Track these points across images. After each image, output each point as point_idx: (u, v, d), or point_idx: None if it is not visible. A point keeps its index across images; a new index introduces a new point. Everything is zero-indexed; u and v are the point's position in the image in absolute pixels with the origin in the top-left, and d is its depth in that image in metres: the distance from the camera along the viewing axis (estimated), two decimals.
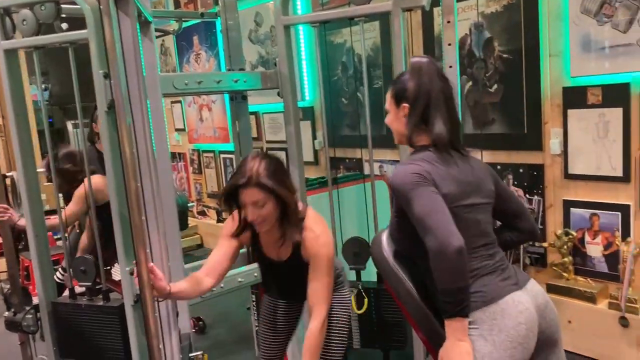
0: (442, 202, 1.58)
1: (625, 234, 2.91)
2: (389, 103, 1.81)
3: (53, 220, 3.18)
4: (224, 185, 4.77)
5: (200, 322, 3.89)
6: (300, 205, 2.00)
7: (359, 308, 2.79)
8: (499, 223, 1.93)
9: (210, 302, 2.78)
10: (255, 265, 2.89)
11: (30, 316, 2.74)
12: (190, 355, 2.22)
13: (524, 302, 1.64)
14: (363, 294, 2.78)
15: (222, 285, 2.73)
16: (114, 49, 1.60)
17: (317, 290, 1.99)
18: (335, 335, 2.15)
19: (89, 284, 2.62)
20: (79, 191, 3.12)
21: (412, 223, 1.61)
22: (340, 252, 2.88)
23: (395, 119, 1.80)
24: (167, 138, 2.41)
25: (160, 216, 1.88)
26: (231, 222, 2.06)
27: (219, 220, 5.95)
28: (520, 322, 1.60)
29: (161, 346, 1.78)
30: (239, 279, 2.78)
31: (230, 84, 2.67)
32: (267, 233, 2.01)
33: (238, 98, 3.20)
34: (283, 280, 2.18)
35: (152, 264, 1.70)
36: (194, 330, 3.89)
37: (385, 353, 2.93)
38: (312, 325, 1.98)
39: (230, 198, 1.92)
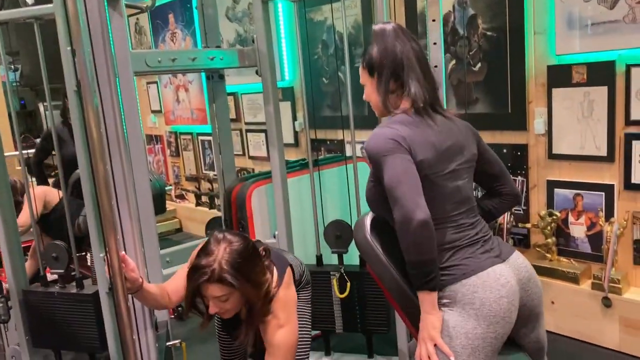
0: (413, 171, 1.53)
1: (609, 214, 2.89)
2: (363, 77, 1.75)
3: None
4: (201, 169, 4.65)
5: (179, 309, 3.80)
6: (274, 281, 1.82)
7: (342, 292, 2.74)
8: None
9: None
10: None
11: (1, 305, 2.64)
12: (168, 343, 2.15)
13: (505, 275, 1.59)
14: (345, 277, 2.73)
15: None
16: (78, 24, 1.49)
17: None
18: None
19: (62, 271, 2.53)
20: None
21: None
22: (321, 236, 2.82)
23: (372, 91, 1.73)
24: (140, 119, 2.30)
25: (132, 201, 1.78)
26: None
27: (197, 204, 5.85)
28: (502, 295, 1.56)
29: (135, 337, 1.70)
30: None
31: (205, 62, 2.57)
32: None
33: (215, 77, 3.10)
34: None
35: (123, 252, 1.61)
36: (172, 317, 3.81)
37: (368, 337, 2.89)
38: None
39: (196, 296, 1.71)
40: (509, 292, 1.57)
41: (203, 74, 3.75)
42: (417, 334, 1.74)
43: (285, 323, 1.80)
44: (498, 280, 1.57)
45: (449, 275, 1.60)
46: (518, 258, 1.69)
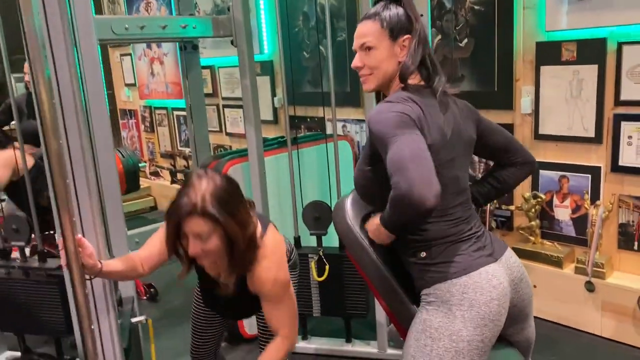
0: (428, 153, 1.34)
1: (595, 197, 2.82)
2: (376, 37, 1.49)
3: None
4: (177, 146, 4.51)
5: (152, 290, 3.68)
6: (258, 230, 1.66)
7: (320, 275, 2.64)
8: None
9: (164, 268, 2.58)
10: None
11: None
12: (133, 320, 2.01)
13: (498, 276, 1.49)
14: (324, 260, 2.62)
15: None
16: None
17: (278, 317, 1.71)
18: None
19: (22, 243, 2.38)
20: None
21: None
22: (300, 217, 2.71)
23: (388, 57, 1.50)
24: (105, 91, 2.14)
25: (92, 180, 1.63)
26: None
27: (172, 182, 5.67)
28: (493, 297, 1.45)
29: (95, 326, 1.57)
30: None
31: (177, 30, 2.39)
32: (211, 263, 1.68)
33: (188, 48, 2.93)
34: (225, 303, 1.88)
35: (79, 236, 1.47)
36: (144, 297, 3.69)
37: (347, 321, 2.81)
38: (279, 340, 1.71)
39: (177, 236, 1.54)
40: (500, 294, 1.47)
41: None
42: (398, 325, 1.65)
43: (275, 267, 1.66)
44: (490, 282, 1.47)
45: (439, 273, 1.49)
46: (511, 257, 1.59)
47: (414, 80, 1.52)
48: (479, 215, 1.65)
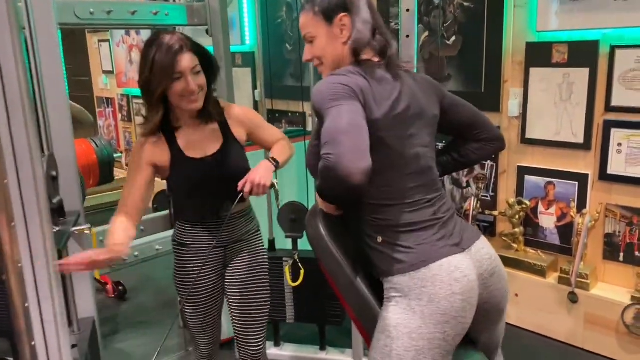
0: (363, 123, 1.26)
1: (581, 205, 2.73)
2: (313, 26, 1.44)
3: None
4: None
5: (121, 287, 3.52)
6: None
7: (295, 280, 2.51)
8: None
9: (133, 267, 2.45)
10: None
11: None
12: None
13: (462, 267, 1.35)
14: (299, 264, 2.50)
15: (136, 253, 2.38)
16: None
17: (271, 131, 1.93)
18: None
19: None
20: None
21: None
22: (275, 218, 2.58)
23: (330, 41, 1.43)
24: (65, 80, 1.98)
25: (40, 179, 1.47)
26: (140, 150, 1.74)
27: None
28: (455, 291, 1.32)
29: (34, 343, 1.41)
30: (157, 247, 2.43)
31: (148, 17, 2.24)
32: (189, 124, 1.76)
33: None
34: (214, 184, 1.77)
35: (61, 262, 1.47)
36: (113, 295, 3.53)
37: (321, 328, 2.69)
38: (282, 142, 1.93)
39: (164, 87, 1.62)
40: (465, 288, 1.33)
41: None
42: (370, 342, 1.53)
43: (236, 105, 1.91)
44: (452, 274, 1.33)
45: (397, 263, 1.37)
46: (483, 247, 1.45)
47: (367, 55, 1.43)
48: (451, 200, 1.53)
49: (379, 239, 1.40)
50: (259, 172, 1.71)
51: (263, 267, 1.96)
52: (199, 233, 1.84)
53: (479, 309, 1.42)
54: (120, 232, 1.64)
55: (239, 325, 1.95)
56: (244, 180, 1.69)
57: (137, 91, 5.52)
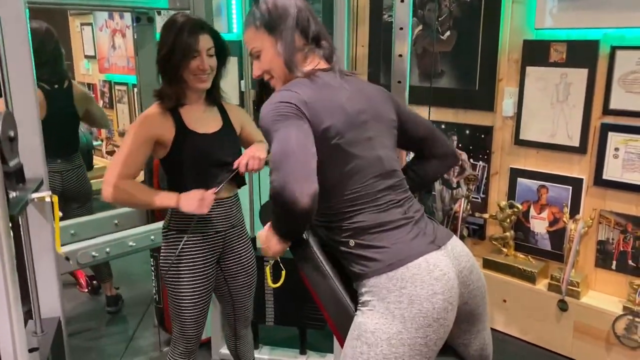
0: (309, 144, 1.22)
1: (575, 210, 2.64)
2: (257, 41, 1.42)
3: None
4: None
5: (94, 282, 3.38)
6: None
7: (275, 282, 2.39)
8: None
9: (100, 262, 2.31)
10: (151, 227, 2.41)
11: None
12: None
13: (441, 265, 1.27)
14: (281, 265, 2.37)
15: (108, 249, 2.24)
16: None
17: (259, 133, 1.96)
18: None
19: None
20: None
21: None
22: (257, 216, 2.45)
23: (275, 55, 1.39)
24: (33, 66, 1.83)
25: None
26: (149, 123, 1.78)
27: None
28: (436, 291, 1.23)
29: None
30: (131, 243, 2.30)
31: None
32: (193, 102, 1.83)
33: (143, 20, 2.62)
34: (214, 161, 1.82)
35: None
36: (86, 290, 3.39)
37: (302, 331, 2.57)
38: (259, 144, 1.91)
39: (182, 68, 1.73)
40: (445, 287, 1.25)
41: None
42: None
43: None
44: (431, 273, 1.25)
45: (372, 263, 1.28)
46: (457, 245, 1.37)
47: (311, 64, 1.40)
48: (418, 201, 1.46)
49: (352, 243, 1.32)
50: (254, 148, 1.82)
51: (251, 251, 2.06)
52: (198, 219, 1.83)
53: (459, 311, 1.33)
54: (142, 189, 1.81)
55: (239, 298, 2.05)
56: (239, 159, 1.77)
57: (119, 77, 5.35)
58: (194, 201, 1.72)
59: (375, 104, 1.42)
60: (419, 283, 1.23)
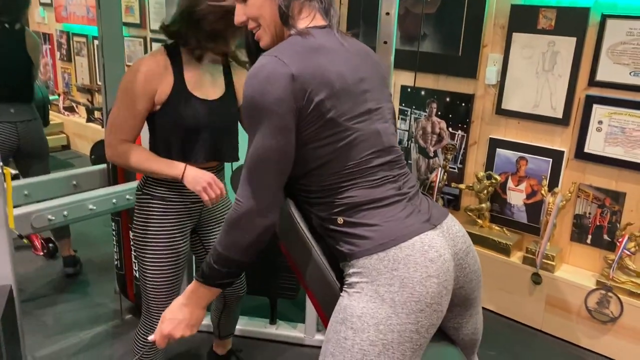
0: (284, 151, 1.14)
1: (553, 183, 2.59)
2: None
3: None
4: (96, 80, 3.93)
5: (50, 245, 3.19)
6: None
7: None
8: None
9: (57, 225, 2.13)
10: (113, 189, 2.25)
11: None
12: None
13: (437, 246, 1.16)
14: None
15: (65, 212, 2.07)
16: None
17: None
18: None
19: None
20: None
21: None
22: (228, 181, 2.31)
23: (265, 2, 1.21)
24: None
25: None
26: (149, 73, 1.59)
27: (89, 119, 5.07)
28: (430, 274, 1.13)
29: None
30: (90, 206, 2.13)
31: None
32: (201, 67, 1.66)
33: None
34: (208, 130, 1.67)
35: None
36: (42, 253, 3.20)
37: (272, 301, 2.48)
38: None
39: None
40: (440, 269, 1.15)
41: None
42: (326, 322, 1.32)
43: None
44: (426, 254, 1.14)
45: (362, 241, 1.16)
46: (454, 224, 1.26)
47: (307, 19, 1.22)
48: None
49: (340, 220, 1.20)
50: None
51: None
52: (179, 186, 1.69)
53: (453, 295, 1.24)
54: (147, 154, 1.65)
55: None
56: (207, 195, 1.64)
57: (78, 27, 5.02)
58: (202, 182, 1.60)
59: (376, 72, 1.28)
60: (412, 265, 1.12)
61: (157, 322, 1.77)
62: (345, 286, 1.19)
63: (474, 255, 1.28)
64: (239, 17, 1.26)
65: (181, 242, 1.75)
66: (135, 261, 1.83)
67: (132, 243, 1.77)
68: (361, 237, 1.16)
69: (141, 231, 1.72)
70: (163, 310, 1.75)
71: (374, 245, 1.15)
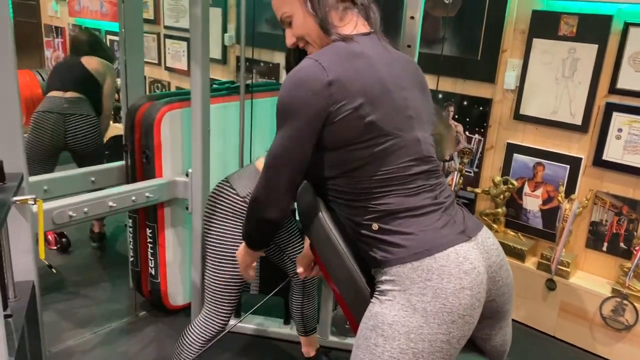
0: (300, 154, 1.21)
1: (570, 190, 2.59)
2: (286, 4, 1.29)
3: None
4: None
5: (64, 239, 3.20)
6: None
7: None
8: None
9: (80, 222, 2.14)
10: (132, 187, 2.25)
11: None
12: (15, 198, 1.54)
13: (471, 258, 1.16)
14: None
15: (86, 209, 2.08)
16: None
17: None
18: None
19: None
20: None
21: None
22: None
23: (306, 17, 1.26)
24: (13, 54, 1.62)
25: None
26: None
27: (115, 120, 5.04)
28: (464, 286, 1.14)
29: None
30: (110, 204, 2.13)
31: None
32: None
33: None
34: None
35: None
36: (55, 247, 3.21)
37: (286, 301, 2.48)
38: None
39: None
40: (474, 282, 1.15)
41: None
42: (354, 325, 1.33)
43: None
44: (460, 266, 1.14)
45: (396, 249, 1.16)
46: (488, 237, 1.27)
47: (349, 25, 1.27)
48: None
49: (375, 226, 1.20)
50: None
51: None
52: None
53: (485, 307, 1.24)
54: None
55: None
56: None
57: (91, 22, 5.02)
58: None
59: (417, 81, 1.30)
60: (446, 276, 1.13)
61: (219, 318, 1.93)
62: (377, 293, 1.20)
63: (507, 269, 1.29)
64: (289, 40, 1.32)
65: None
66: (208, 260, 1.93)
67: (209, 244, 1.92)
68: (396, 244, 1.17)
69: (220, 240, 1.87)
70: (226, 305, 1.93)
71: (409, 254, 1.15)
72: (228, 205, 1.89)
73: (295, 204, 1.40)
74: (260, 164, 1.88)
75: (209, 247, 1.92)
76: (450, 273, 1.13)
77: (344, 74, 1.15)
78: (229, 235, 1.88)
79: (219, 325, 1.92)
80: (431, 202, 1.20)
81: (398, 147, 1.18)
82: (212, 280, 1.91)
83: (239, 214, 1.87)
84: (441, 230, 1.17)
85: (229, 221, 1.88)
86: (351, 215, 1.23)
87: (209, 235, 1.92)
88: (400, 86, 1.21)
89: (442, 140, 1.64)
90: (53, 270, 1.94)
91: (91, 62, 3.08)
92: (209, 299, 1.93)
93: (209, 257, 1.92)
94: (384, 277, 1.18)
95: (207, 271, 1.93)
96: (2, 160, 1.44)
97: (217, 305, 1.91)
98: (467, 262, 1.15)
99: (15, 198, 1.45)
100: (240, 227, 1.85)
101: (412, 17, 2.01)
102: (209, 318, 1.92)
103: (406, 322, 1.13)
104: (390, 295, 1.16)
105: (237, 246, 1.82)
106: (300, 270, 1.55)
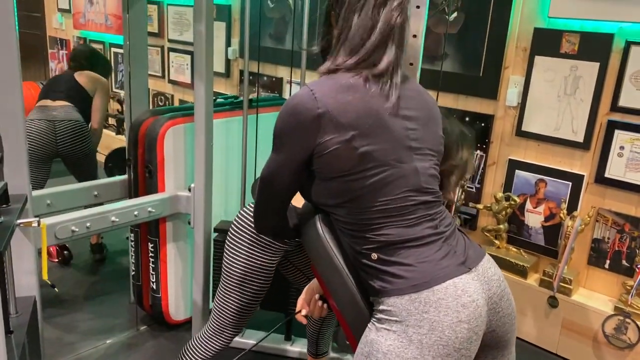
0: (296, 177, 1.24)
1: (572, 207, 2.59)
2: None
3: None
4: (111, 86, 3.94)
5: (66, 252, 3.20)
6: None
7: None
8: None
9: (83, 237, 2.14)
10: (135, 202, 2.26)
11: None
12: (19, 221, 1.54)
13: (470, 291, 1.15)
14: None
15: (88, 224, 2.08)
16: None
17: None
18: None
19: None
20: None
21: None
22: (248, 192, 2.32)
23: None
24: (17, 49, 1.65)
25: None
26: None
27: (118, 132, 5.07)
28: (462, 319, 1.13)
29: None
30: (113, 218, 2.14)
31: None
32: None
33: None
34: None
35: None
36: (56, 260, 3.21)
37: (288, 318, 2.47)
38: None
39: None
40: (472, 315, 1.14)
41: None
42: (354, 343, 1.32)
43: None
44: (458, 299, 1.13)
45: (395, 279, 1.16)
46: (490, 267, 1.25)
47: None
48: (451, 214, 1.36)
49: (374, 256, 1.20)
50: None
51: None
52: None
53: (485, 338, 1.23)
54: None
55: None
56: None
57: (95, 34, 5.05)
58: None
59: (427, 112, 1.27)
60: (443, 309, 1.12)
61: (223, 339, 1.90)
62: (374, 319, 1.19)
63: (508, 299, 1.27)
64: None
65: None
66: (227, 285, 1.87)
67: (230, 269, 1.85)
68: (394, 275, 1.16)
69: (253, 264, 1.80)
70: (234, 329, 1.90)
71: (407, 285, 1.14)
72: (254, 231, 1.80)
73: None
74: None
75: (231, 271, 1.83)
76: (448, 306, 1.12)
77: (335, 106, 1.14)
78: (252, 261, 1.80)
79: (222, 344, 1.89)
80: (431, 232, 1.19)
81: (396, 177, 1.17)
82: (226, 305, 1.84)
83: (265, 240, 1.79)
84: (441, 262, 1.16)
85: (254, 247, 1.79)
86: (352, 244, 1.23)
87: (231, 260, 1.82)
88: (403, 116, 1.20)
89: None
90: (56, 289, 1.93)
91: (82, 77, 3.14)
92: (217, 320, 1.87)
93: (228, 282, 1.84)
94: (381, 307, 1.18)
95: (223, 294, 1.85)
96: (7, 182, 1.45)
97: (225, 328, 1.87)
98: (466, 295, 1.14)
99: (19, 221, 1.45)
100: (266, 254, 1.81)
101: (415, 36, 2.02)
102: (212, 336, 1.89)
103: (401, 352, 1.12)
104: (386, 324, 1.16)
105: (260, 273, 1.80)
106: (303, 312, 1.54)
